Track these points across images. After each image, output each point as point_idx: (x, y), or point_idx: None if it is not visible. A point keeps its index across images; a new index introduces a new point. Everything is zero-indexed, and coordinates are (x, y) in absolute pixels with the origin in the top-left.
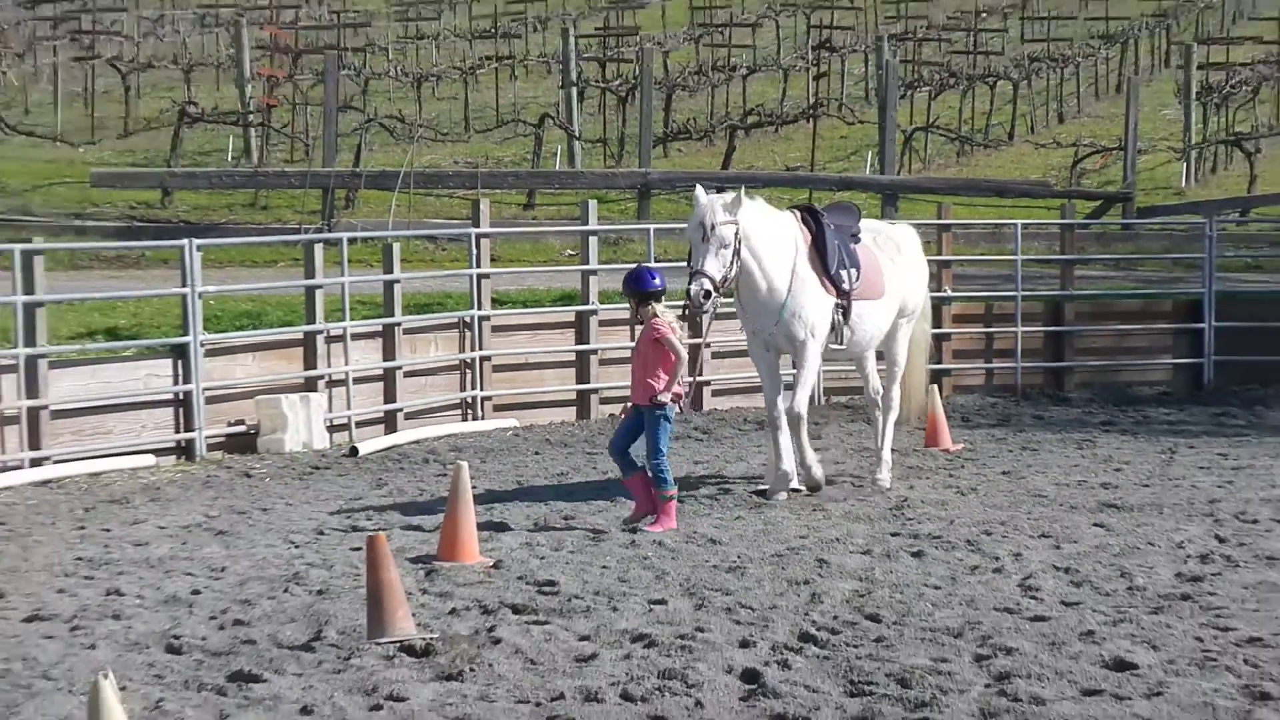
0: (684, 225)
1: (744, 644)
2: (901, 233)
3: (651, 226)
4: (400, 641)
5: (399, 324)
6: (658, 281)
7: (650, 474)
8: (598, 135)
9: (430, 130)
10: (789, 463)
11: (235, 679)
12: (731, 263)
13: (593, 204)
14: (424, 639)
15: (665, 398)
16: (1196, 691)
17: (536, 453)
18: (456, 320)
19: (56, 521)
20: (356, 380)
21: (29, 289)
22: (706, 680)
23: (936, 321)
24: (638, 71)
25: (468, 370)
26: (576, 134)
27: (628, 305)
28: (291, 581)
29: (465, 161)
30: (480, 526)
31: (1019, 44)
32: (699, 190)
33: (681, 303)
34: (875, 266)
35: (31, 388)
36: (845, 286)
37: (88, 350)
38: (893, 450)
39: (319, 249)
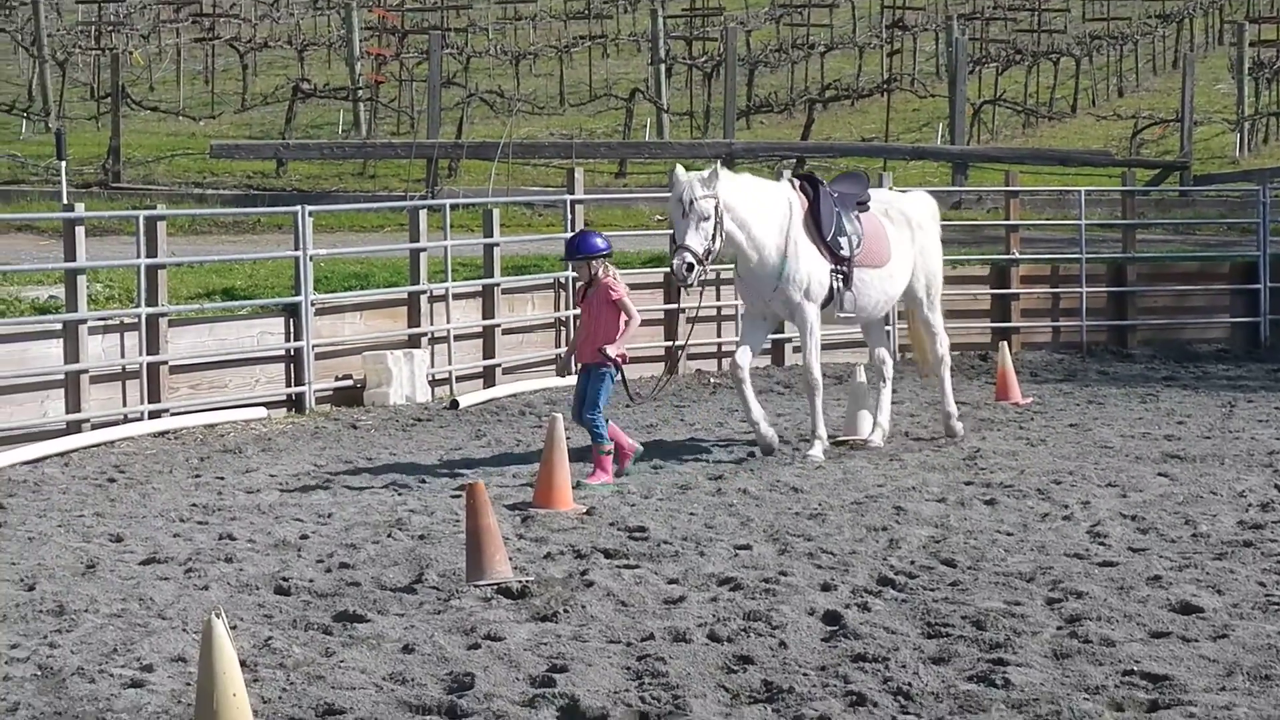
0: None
1: (825, 587)
2: (914, 203)
3: None
4: (498, 584)
5: (498, 285)
6: (601, 243)
7: (587, 429)
8: (685, 109)
9: (528, 104)
10: (820, 427)
11: (340, 619)
12: (714, 235)
13: (680, 168)
14: (520, 582)
15: (613, 350)
16: (1261, 634)
17: (627, 406)
18: (552, 281)
19: (173, 470)
20: (457, 337)
21: (152, 252)
22: (790, 622)
23: (1004, 282)
24: (722, 49)
25: (562, 327)
26: (665, 107)
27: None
28: (395, 527)
29: (560, 133)
30: (574, 475)
31: (1080, 22)
32: (678, 169)
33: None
34: (880, 235)
35: (152, 344)
36: (844, 253)
37: (205, 309)
38: (961, 403)
39: (423, 215)
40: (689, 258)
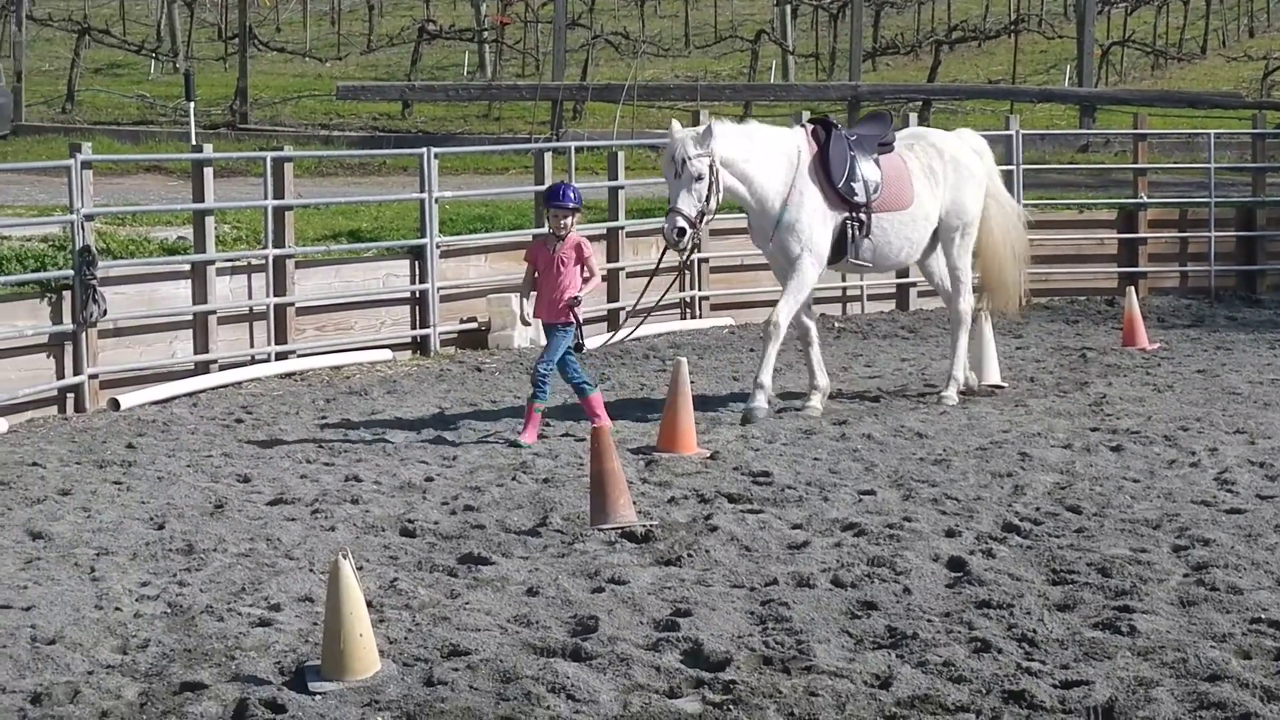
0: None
1: (949, 533)
2: (950, 139)
3: None
4: (622, 528)
5: (622, 228)
6: (573, 197)
7: (534, 382)
8: (810, 50)
9: (653, 46)
10: (765, 374)
11: (465, 561)
12: (709, 196)
13: (805, 115)
14: (644, 526)
15: (580, 297)
16: None
17: (751, 350)
18: None
19: (300, 411)
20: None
21: (279, 193)
22: (914, 568)
23: (1132, 226)
24: None
25: (686, 271)
26: (790, 49)
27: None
28: (519, 470)
29: (685, 75)
30: (698, 419)
31: None
32: (674, 125)
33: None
34: (902, 176)
35: (279, 286)
36: (858, 199)
37: (331, 251)
38: (1088, 348)
39: (548, 157)
40: (680, 221)
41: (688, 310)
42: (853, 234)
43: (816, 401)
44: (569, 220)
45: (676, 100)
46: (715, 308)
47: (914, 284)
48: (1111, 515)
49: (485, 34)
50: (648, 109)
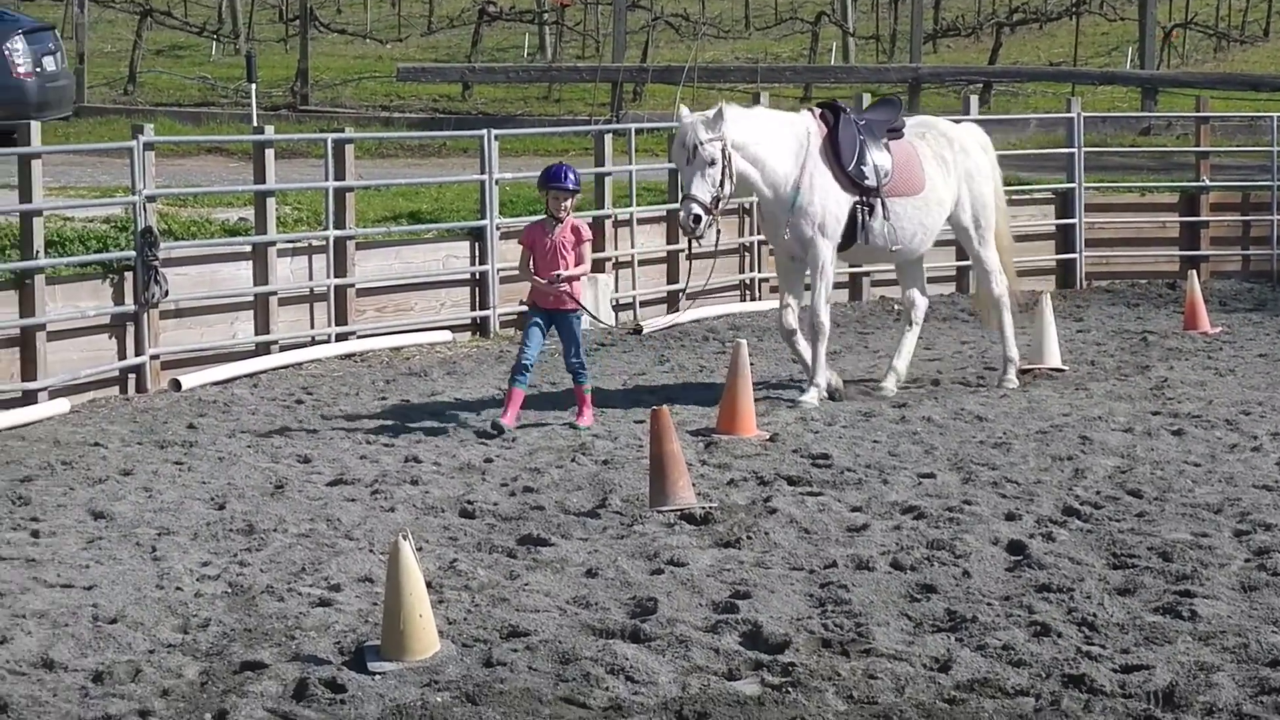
0: (956, 118)
1: (1009, 517)
2: (960, 130)
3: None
4: (681, 510)
5: None
6: (572, 179)
7: (574, 372)
8: (870, 32)
9: (713, 28)
10: (820, 374)
11: (524, 542)
12: (722, 181)
13: (866, 97)
14: (704, 508)
15: (562, 275)
16: None
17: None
18: (737, 207)
19: (360, 392)
20: (642, 262)
21: (339, 175)
22: (973, 551)
23: (1194, 209)
24: None
25: (746, 253)
26: (851, 31)
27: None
28: (578, 451)
29: (746, 57)
30: (757, 401)
31: None
32: (682, 110)
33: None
34: (913, 161)
35: (340, 267)
36: (869, 183)
37: (392, 233)
38: (1149, 332)
39: (608, 139)
40: (696, 208)
41: (747, 292)
42: (863, 219)
43: (812, 396)
44: (569, 203)
45: (736, 82)
46: (775, 290)
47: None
48: (1172, 499)
49: (545, 15)
50: (707, 91)
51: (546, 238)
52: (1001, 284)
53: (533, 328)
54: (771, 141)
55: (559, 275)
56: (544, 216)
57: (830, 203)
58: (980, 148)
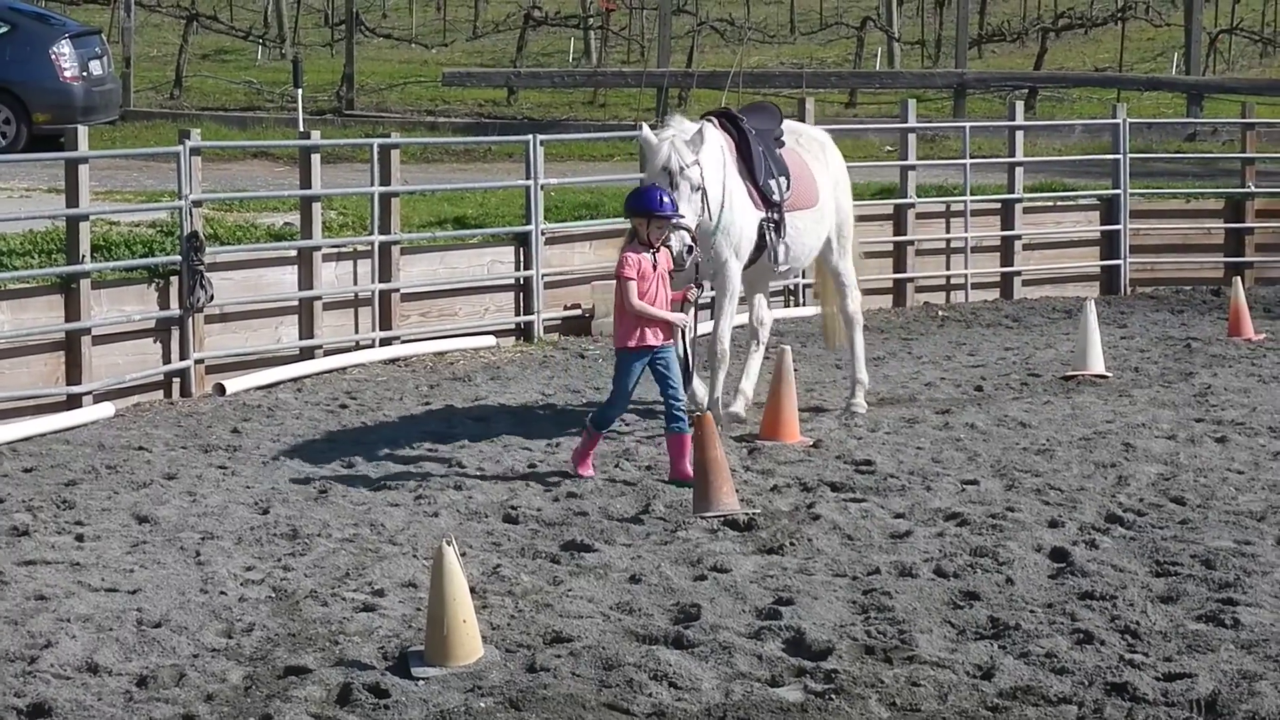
0: (1001, 123)
1: (1052, 524)
2: (821, 133)
3: (968, 124)
4: (724, 516)
5: None
6: (669, 204)
7: (672, 411)
8: (916, 37)
9: (758, 33)
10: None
11: (568, 548)
12: (704, 208)
13: (911, 103)
14: (747, 514)
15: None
16: None
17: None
18: None
19: (404, 397)
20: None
21: (385, 180)
22: (1017, 558)
23: (1239, 216)
24: None
25: None
26: (896, 36)
27: (639, 231)
28: (622, 457)
29: (791, 62)
30: (801, 408)
31: None
32: (645, 132)
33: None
34: (806, 172)
35: (384, 272)
36: (775, 198)
37: (437, 238)
38: (1193, 339)
39: None
40: (688, 239)
41: (791, 298)
42: (770, 236)
43: (740, 407)
44: (658, 232)
45: (781, 87)
46: (816, 295)
47: (1018, 273)
48: (1215, 507)
49: (590, 20)
50: (753, 96)
51: (654, 268)
52: (858, 300)
53: (636, 371)
54: (710, 159)
55: (696, 297)
56: (638, 244)
57: (745, 222)
58: (837, 152)
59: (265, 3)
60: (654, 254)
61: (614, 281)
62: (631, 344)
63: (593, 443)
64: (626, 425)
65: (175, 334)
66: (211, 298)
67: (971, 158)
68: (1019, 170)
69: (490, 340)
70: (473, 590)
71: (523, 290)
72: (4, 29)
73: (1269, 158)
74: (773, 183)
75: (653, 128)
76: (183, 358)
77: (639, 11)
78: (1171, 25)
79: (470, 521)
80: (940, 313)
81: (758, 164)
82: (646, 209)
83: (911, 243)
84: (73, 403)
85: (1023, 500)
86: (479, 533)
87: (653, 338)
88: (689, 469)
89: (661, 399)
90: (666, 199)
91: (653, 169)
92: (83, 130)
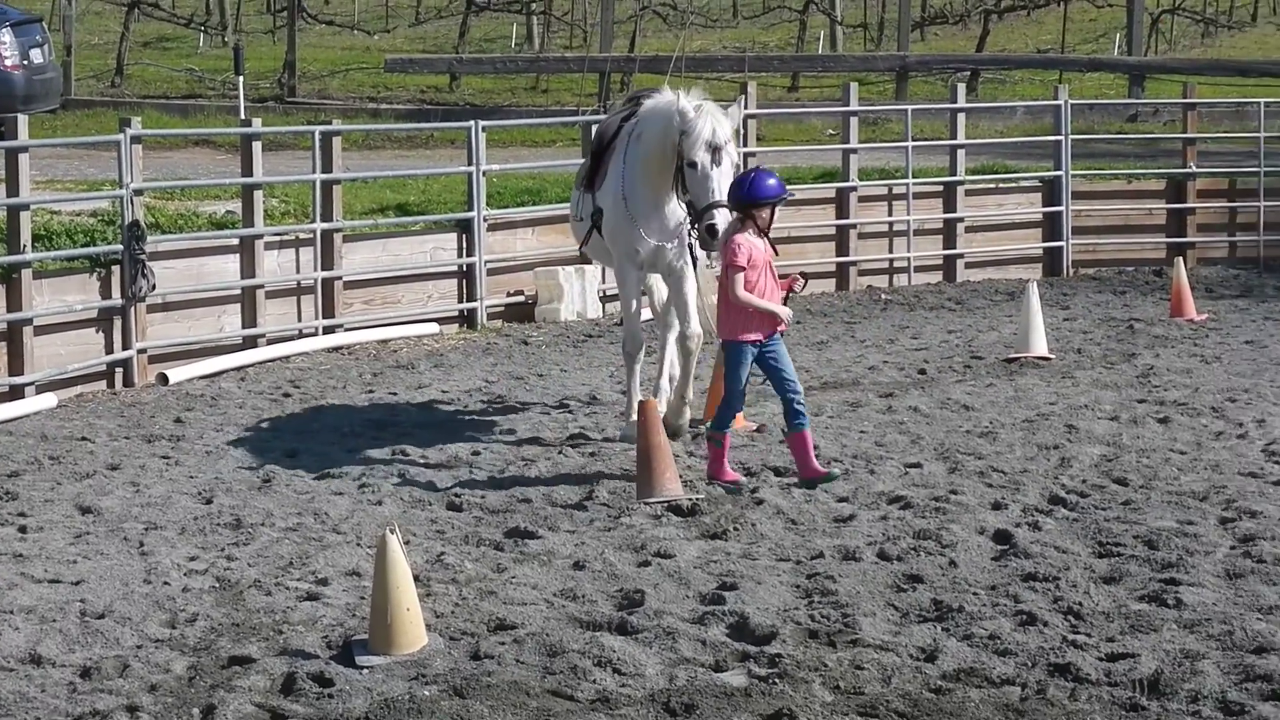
0: (943, 105)
1: (996, 506)
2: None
3: (910, 107)
4: (668, 501)
5: None
6: (777, 182)
7: (792, 406)
8: (858, 20)
9: (701, 17)
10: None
11: (512, 535)
12: None
13: (853, 86)
14: (690, 499)
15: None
16: None
17: (798, 322)
18: None
19: (347, 385)
20: None
21: (327, 167)
22: (960, 541)
23: (1180, 196)
24: None
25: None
26: (838, 19)
27: (752, 219)
28: (566, 444)
29: (734, 46)
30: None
31: None
32: (681, 102)
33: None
34: None
35: (327, 260)
36: None
37: (379, 225)
38: (1136, 320)
39: (595, 130)
40: (727, 214)
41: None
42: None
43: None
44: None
45: (724, 72)
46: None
47: (960, 255)
48: (1158, 487)
49: (533, 5)
50: (695, 80)
51: (765, 253)
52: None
53: (747, 363)
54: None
55: (801, 287)
56: (746, 231)
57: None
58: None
59: None
60: (767, 241)
61: (554, 268)
62: (740, 336)
63: (723, 449)
64: (570, 412)
65: (117, 324)
66: (153, 287)
67: (914, 140)
68: (961, 153)
69: (433, 327)
70: (416, 578)
71: (466, 277)
72: None
73: (1210, 138)
74: None
75: (607, 109)
76: (125, 347)
77: None
78: (1114, 6)
79: (414, 509)
80: (883, 296)
81: None
82: (778, 195)
83: (854, 226)
84: (15, 393)
85: (966, 483)
86: (423, 520)
87: (759, 329)
88: (818, 465)
89: (777, 395)
90: (773, 179)
91: (693, 142)
92: (23, 119)
